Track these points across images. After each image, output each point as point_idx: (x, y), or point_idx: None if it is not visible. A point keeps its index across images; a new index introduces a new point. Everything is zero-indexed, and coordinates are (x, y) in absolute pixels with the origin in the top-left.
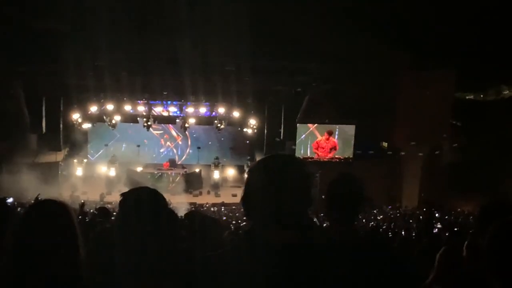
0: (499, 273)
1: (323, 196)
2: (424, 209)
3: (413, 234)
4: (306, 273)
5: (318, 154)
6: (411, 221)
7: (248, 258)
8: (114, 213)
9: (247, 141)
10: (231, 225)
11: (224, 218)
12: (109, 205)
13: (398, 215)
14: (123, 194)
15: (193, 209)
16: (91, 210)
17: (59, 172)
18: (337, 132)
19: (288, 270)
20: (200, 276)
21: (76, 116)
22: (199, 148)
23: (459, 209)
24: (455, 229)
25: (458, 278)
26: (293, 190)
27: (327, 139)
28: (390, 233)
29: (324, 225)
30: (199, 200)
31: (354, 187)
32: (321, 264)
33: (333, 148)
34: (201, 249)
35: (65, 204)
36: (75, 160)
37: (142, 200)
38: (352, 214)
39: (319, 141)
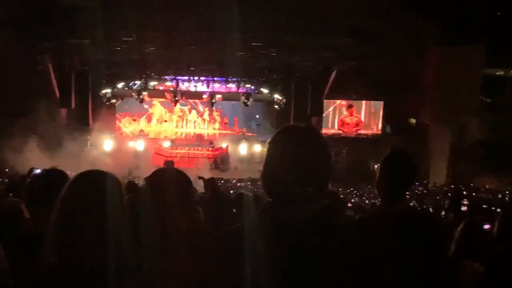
0: None
1: (376, 169)
2: (452, 186)
3: (442, 212)
4: (325, 249)
5: (343, 131)
6: (438, 198)
7: (264, 234)
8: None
9: (274, 117)
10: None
11: (250, 194)
12: (136, 180)
13: (425, 192)
14: (151, 175)
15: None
16: None
17: (88, 147)
18: (363, 108)
19: (307, 246)
20: (214, 253)
21: (104, 91)
22: (226, 123)
23: (487, 186)
24: (483, 206)
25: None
26: (311, 163)
27: (351, 114)
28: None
29: (353, 200)
30: (226, 175)
31: (411, 163)
32: (342, 241)
33: (358, 123)
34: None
35: (114, 177)
36: (103, 135)
37: (168, 181)
38: (404, 190)
39: (344, 118)
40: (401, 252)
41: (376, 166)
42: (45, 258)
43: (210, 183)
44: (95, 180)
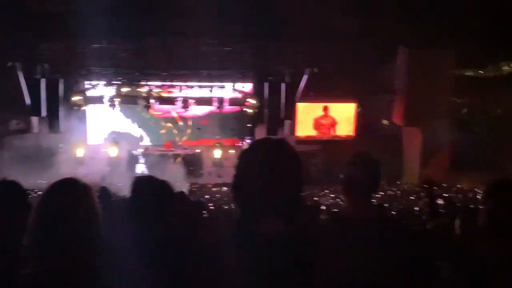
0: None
1: (341, 175)
2: (424, 186)
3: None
4: (297, 261)
5: (319, 133)
6: (412, 198)
7: (239, 249)
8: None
9: (248, 122)
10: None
11: (226, 199)
12: (110, 187)
13: (398, 192)
14: (135, 180)
15: (194, 189)
16: None
17: (60, 155)
18: (336, 110)
19: (280, 260)
20: (189, 268)
21: (75, 98)
22: (199, 128)
23: (458, 186)
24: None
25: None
26: (283, 176)
27: (326, 116)
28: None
29: (327, 202)
30: (201, 180)
31: (373, 169)
32: (312, 251)
33: (333, 124)
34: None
35: (86, 185)
36: (75, 143)
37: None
38: (369, 194)
39: (318, 119)
40: (368, 257)
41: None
42: (20, 269)
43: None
44: (68, 189)
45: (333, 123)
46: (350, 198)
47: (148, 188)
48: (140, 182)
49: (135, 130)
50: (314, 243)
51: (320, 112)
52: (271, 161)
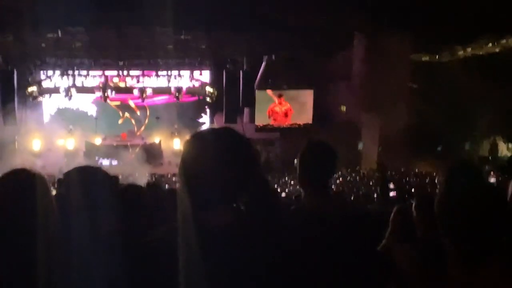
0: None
1: (296, 163)
2: (377, 170)
3: (374, 196)
4: (249, 255)
5: (274, 120)
6: (370, 183)
7: (187, 241)
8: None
9: (207, 110)
10: None
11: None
12: None
13: (357, 178)
14: (65, 174)
15: (154, 180)
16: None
17: (16, 147)
18: (293, 97)
19: (230, 253)
20: (136, 261)
21: (31, 89)
22: (157, 118)
23: (416, 170)
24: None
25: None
26: (232, 165)
27: (280, 103)
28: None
29: (286, 190)
30: (160, 170)
31: (328, 155)
32: (265, 243)
33: (287, 112)
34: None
35: (40, 176)
36: (31, 134)
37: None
38: (326, 182)
39: (273, 107)
40: (332, 244)
41: (295, 160)
42: None
43: None
44: (20, 180)
45: (288, 111)
46: (306, 188)
47: (77, 178)
48: (70, 174)
49: (92, 120)
50: (271, 235)
51: (273, 101)
52: (218, 148)
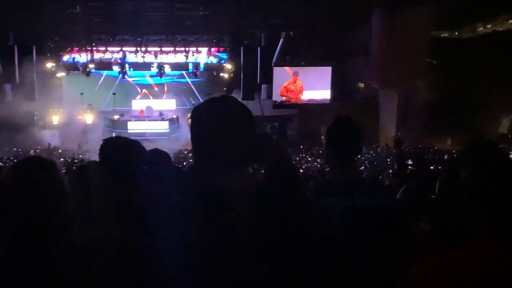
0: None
1: (322, 140)
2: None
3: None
4: (266, 219)
5: (288, 98)
6: (388, 160)
7: (203, 206)
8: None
9: (224, 87)
10: None
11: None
12: (86, 154)
13: (375, 155)
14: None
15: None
16: (68, 159)
17: (35, 123)
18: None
19: (247, 216)
20: (151, 228)
21: (49, 65)
22: (175, 94)
23: (436, 147)
24: (431, 167)
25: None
26: (237, 131)
27: (294, 81)
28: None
29: (305, 165)
30: (177, 146)
31: (357, 132)
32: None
33: (300, 91)
34: None
35: (51, 163)
36: (50, 110)
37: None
38: (353, 157)
39: (287, 85)
40: (355, 221)
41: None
42: None
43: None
44: (32, 170)
45: (301, 89)
46: (334, 163)
47: (115, 148)
48: (108, 143)
49: (111, 96)
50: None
51: (290, 78)
52: (221, 112)
